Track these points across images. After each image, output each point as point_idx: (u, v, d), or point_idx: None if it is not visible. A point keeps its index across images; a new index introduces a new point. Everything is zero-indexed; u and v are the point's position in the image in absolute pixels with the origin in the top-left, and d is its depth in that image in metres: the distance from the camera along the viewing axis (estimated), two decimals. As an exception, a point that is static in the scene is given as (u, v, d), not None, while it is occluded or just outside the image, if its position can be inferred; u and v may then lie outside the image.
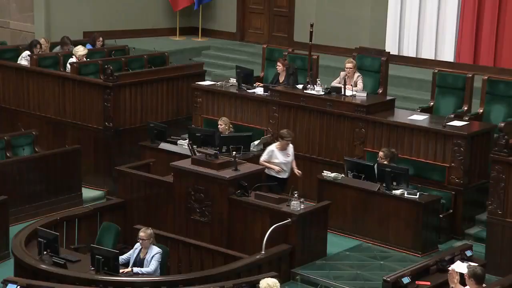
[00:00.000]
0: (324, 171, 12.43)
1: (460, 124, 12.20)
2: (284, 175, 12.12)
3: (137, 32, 19.19)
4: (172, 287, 9.61)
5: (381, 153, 11.90)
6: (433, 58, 16.44)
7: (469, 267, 8.76)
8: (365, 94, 13.10)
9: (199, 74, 15.08)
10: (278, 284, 8.40)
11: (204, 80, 14.96)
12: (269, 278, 8.47)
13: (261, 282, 8.43)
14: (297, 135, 13.12)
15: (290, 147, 12.18)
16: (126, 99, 13.95)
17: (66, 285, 9.41)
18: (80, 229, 11.60)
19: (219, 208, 11.22)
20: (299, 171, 12.26)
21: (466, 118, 12.73)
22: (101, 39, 16.40)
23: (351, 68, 13.43)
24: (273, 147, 12.15)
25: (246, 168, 11.49)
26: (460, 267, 9.64)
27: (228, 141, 12.68)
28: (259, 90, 13.78)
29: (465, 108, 13.24)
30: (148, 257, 9.98)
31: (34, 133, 13.63)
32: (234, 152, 11.93)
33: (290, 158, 12.13)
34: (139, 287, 9.61)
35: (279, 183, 12.04)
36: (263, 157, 12.12)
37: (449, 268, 9.07)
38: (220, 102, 13.97)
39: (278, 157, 12.04)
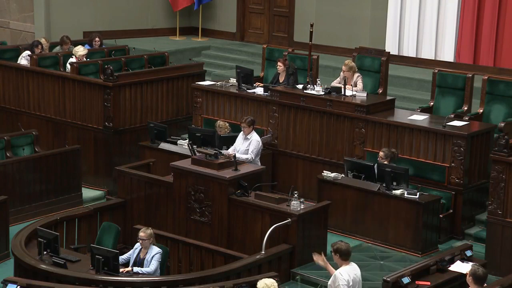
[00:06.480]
0: (324, 171, 12.42)
1: (460, 124, 12.20)
2: None
3: (137, 32, 19.19)
4: (172, 287, 9.61)
5: (381, 153, 11.89)
6: (433, 58, 16.43)
7: (473, 266, 8.70)
8: (365, 94, 13.09)
9: (199, 74, 15.08)
10: (276, 284, 8.38)
11: (204, 80, 14.96)
12: (267, 278, 8.43)
13: (258, 282, 8.41)
14: (297, 135, 13.13)
15: None
16: (126, 99, 13.95)
17: (66, 285, 9.41)
18: (80, 229, 11.60)
19: (219, 208, 11.21)
20: None
21: (466, 118, 12.73)
22: (97, 39, 16.34)
23: (345, 71, 13.41)
24: None
25: (246, 168, 11.49)
26: (461, 267, 9.64)
27: (228, 141, 12.68)
28: (259, 90, 13.77)
29: (465, 108, 13.24)
30: (148, 257, 9.97)
31: (34, 133, 13.63)
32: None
33: None
34: (139, 287, 9.61)
35: None
36: None
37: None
38: (220, 102, 13.96)
39: None
